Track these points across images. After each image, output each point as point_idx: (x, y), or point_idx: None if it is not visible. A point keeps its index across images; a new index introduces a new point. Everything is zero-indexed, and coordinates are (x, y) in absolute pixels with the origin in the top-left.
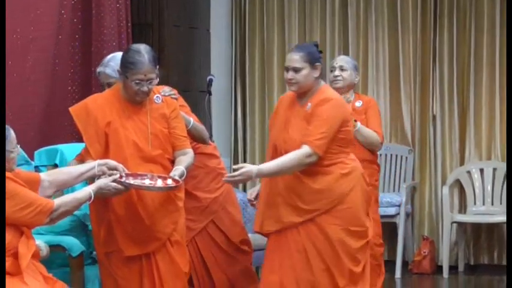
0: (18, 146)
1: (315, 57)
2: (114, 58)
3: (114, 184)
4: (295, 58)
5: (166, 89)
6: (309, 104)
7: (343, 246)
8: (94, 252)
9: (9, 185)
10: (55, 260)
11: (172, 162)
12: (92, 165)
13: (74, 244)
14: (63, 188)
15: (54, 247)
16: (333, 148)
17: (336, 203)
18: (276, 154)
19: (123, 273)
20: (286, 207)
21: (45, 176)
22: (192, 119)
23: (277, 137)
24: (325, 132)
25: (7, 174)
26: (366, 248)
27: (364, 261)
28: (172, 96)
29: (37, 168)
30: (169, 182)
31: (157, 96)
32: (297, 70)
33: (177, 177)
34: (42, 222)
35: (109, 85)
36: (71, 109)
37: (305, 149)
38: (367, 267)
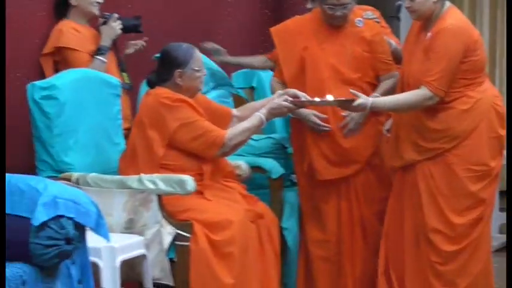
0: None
1: None
2: None
3: (285, 103)
4: None
5: (369, 13)
6: (429, 34)
7: (461, 188)
8: (292, 175)
9: (188, 112)
10: (255, 181)
11: (374, 85)
12: (272, 97)
13: (274, 166)
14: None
15: (254, 168)
16: (457, 82)
17: (457, 141)
18: (403, 83)
19: (321, 196)
20: (407, 143)
21: (235, 111)
22: (393, 42)
23: (404, 65)
24: (444, 70)
25: (187, 99)
26: (487, 190)
27: (481, 209)
28: (375, 19)
29: (235, 91)
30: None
31: (359, 20)
32: None
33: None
34: (214, 155)
35: None
36: (272, 29)
37: (424, 91)
38: (483, 221)
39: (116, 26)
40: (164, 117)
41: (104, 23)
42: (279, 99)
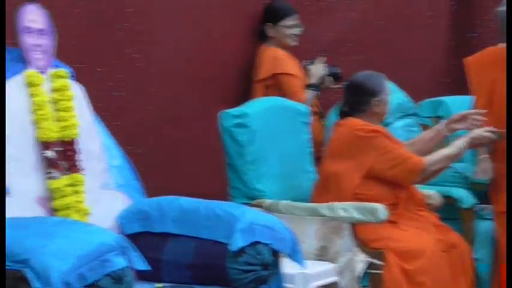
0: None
1: None
2: None
3: (487, 134)
4: None
5: None
6: None
7: None
8: (480, 205)
9: (384, 141)
10: (446, 210)
11: None
12: (435, 127)
13: (464, 196)
14: (420, 155)
15: (444, 197)
16: None
17: None
18: None
19: None
20: None
21: (406, 142)
22: None
23: None
24: None
25: (381, 129)
26: None
27: None
28: None
29: (422, 120)
30: None
31: None
32: None
33: None
34: (414, 181)
35: None
36: (465, 60)
37: None
38: None
39: (323, 66)
40: (360, 148)
41: (311, 63)
42: (480, 129)
